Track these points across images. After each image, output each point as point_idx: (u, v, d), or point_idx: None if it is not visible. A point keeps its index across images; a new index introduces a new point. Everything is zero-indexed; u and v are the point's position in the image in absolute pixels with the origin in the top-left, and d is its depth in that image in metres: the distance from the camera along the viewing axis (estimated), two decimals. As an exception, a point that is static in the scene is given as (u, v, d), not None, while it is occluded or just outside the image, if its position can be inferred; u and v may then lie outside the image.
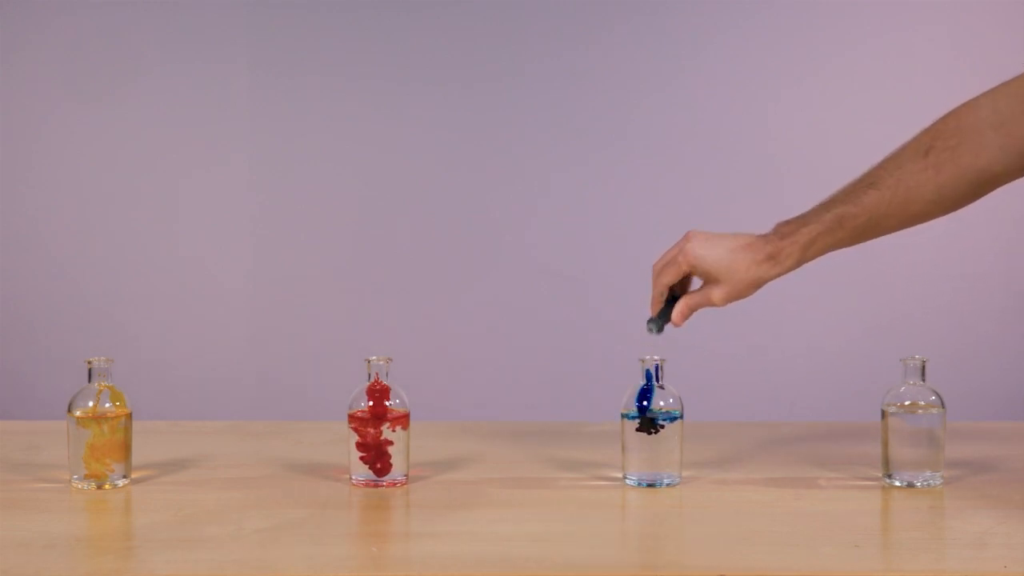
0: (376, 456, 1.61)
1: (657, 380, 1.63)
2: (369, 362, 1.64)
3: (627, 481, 1.62)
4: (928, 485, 1.61)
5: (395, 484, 1.62)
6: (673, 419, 1.61)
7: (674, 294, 1.64)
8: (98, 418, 1.61)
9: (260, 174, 2.60)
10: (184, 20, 2.59)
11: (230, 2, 2.59)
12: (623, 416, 1.62)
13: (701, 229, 1.56)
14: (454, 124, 2.59)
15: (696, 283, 1.61)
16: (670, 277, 1.62)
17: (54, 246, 2.63)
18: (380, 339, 2.57)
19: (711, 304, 1.60)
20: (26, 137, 2.59)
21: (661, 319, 1.65)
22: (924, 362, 1.63)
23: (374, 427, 1.61)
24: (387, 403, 1.62)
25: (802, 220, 1.58)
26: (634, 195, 2.58)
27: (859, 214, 1.58)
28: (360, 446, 1.61)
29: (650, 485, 1.61)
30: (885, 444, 1.62)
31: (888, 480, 1.62)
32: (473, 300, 2.60)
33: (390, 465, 1.62)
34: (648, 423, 1.61)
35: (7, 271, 2.62)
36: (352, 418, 1.62)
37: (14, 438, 1.93)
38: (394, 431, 1.61)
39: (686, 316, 1.64)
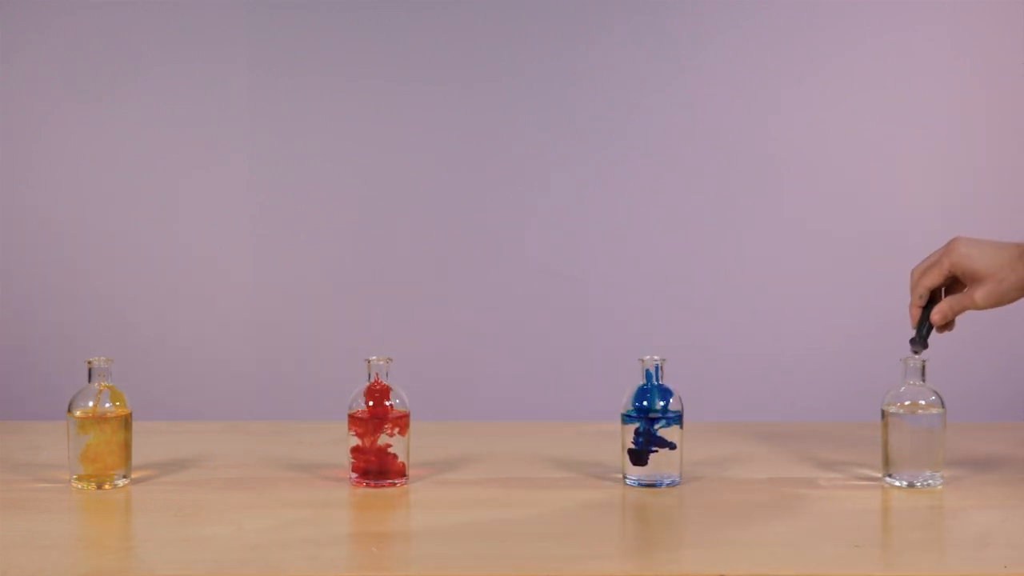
0: (380, 461, 1.61)
1: (657, 380, 1.63)
2: (369, 362, 1.64)
3: (627, 481, 1.62)
4: (928, 485, 1.61)
5: (395, 484, 1.62)
6: (672, 421, 1.61)
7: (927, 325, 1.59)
8: (98, 418, 1.61)
9: (260, 174, 2.60)
10: (184, 20, 2.59)
11: (230, 2, 2.59)
12: (623, 416, 1.62)
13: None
14: (454, 124, 2.59)
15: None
16: (932, 279, 1.59)
17: (54, 246, 2.63)
18: (380, 339, 2.57)
19: (974, 306, 1.55)
20: (26, 137, 2.59)
21: (924, 334, 1.61)
22: (924, 362, 1.63)
23: (373, 432, 1.61)
24: (387, 403, 1.62)
25: None
26: (634, 195, 2.58)
27: None
28: (358, 452, 1.61)
29: (650, 485, 1.61)
30: (885, 444, 1.62)
31: (888, 480, 1.62)
32: (473, 300, 2.60)
33: (399, 467, 1.62)
34: (641, 453, 1.61)
35: (7, 271, 2.62)
36: (352, 419, 1.62)
37: (14, 438, 1.93)
38: (392, 436, 1.61)
39: (948, 317, 1.59)
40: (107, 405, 1.62)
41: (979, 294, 1.53)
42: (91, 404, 1.62)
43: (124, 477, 1.62)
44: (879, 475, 1.66)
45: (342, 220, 2.61)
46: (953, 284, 1.61)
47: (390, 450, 1.61)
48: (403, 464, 1.62)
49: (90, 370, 1.64)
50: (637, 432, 1.61)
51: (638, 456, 1.61)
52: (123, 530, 1.46)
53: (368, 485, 1.61)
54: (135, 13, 2.60)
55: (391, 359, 1.65)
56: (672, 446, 1.61)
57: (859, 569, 1.29)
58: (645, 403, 1.62)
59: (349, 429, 1.62)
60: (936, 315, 1.59)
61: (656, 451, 1.61)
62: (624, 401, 1.63)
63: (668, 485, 1.61)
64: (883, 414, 1.62)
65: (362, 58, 2.59)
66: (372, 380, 1.63)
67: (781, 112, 2.58)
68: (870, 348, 2.56)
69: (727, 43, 2.58)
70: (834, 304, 2.59)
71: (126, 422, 1.62)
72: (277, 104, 2.59)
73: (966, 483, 1.64)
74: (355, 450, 1.61)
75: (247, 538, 1.39)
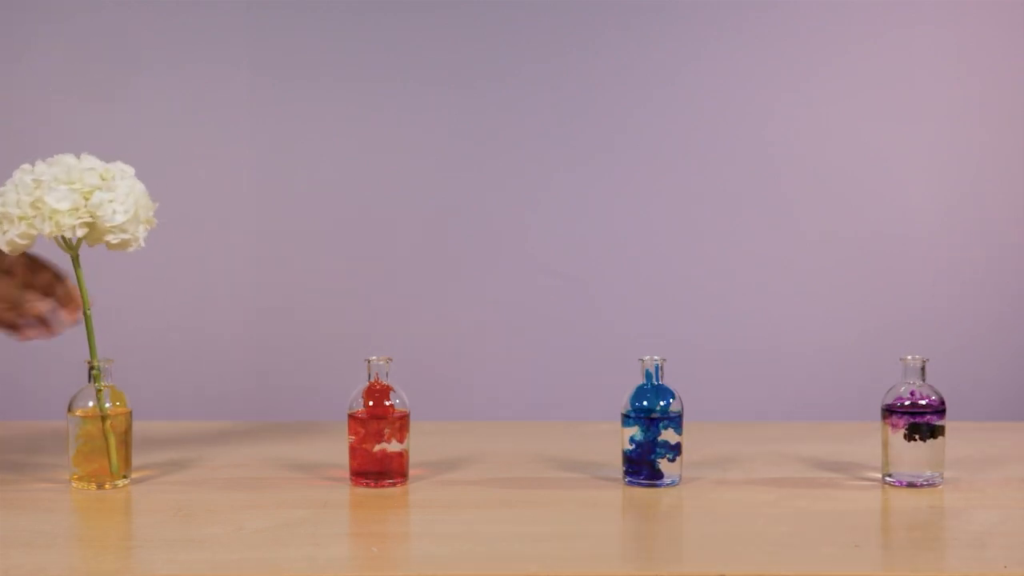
0: (380, 461, 1.61)
1: (657, 380, 1.63)
2: (369, 362, 1.64)
3: (627, 481, 1.62)
4: (928, 485, 1.61)
5: (395, 484, 1.62)
6: (671, 419, 1.61)
7: None
8: (98, 418, 1.61)
9: (260, 174, 2.60)
10: (184, 20, 2.59)
11: (230, 2, 2.59)
12: (623, 416, 1.62)
13: None
14: (454, 124, 2.59)
15: None
16: None
17: (53, 246, 2.63)
18: (380, 339, 2.57)
19: None
20: (26, 137, 2.59)
21: None
22: (924, 362, 1.63)
23: (373, 432, 1.60)
24: (387, 403, 1.62)
25: None
26: (635, 195, 2.58)
27: None
28: (358, 452, 1.61)
29: (650, 485, 1.61)
30: (885, 444, 1.62)
31: (888, 480, 1.62)
32: (473, 300, 2.60)
33: (399, 467, 1.62)
34: (641, 464, 1.61)
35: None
36: (352, 419, 1.62)
37: (14, 438, 1.93)
38: (390, 442, 1.61)
39: None
40: (107, 405, 1.62)
41: None
42: (91, 404, 1.62)
43: (124, 477, 1.62)
44: (879, 475, 1.66)
45: (342, 220, 2.61)
46: None
47: (390, 450, 1.61)
48: (403, 464, 1.62)
49: (90, 370, 1.64)
50: (635, 442, 1.61)
51: (641, 467, 1.61)
52: (123, 530, 1.46)
53: (368, 485, 1.61)
54: (135, 13, 2.60)
55: (391, 359, 1.65)
56: (672, 456, 1.61)
57: (859, 569, 1.29)
58: (645, 403, 1.61)
59: (349, 429, 1.62)
60: None
61: (663, 458, 1.61)
62: (624, 401, 1.63)
63: (668, 485, 1.61)
64: (883, 414, 1.62)
65: (363, 58, 2.59)
66: (372, 380, 1.63)
67: (781, 112, 2.58)
68: (870, 348, 2.56)
69: (728, 43, 2.58)
70: (834, 304, 2.59)
71: (126, 422, 1.62)
72: (277, 104, 2.59)
73: (966, 483, 1.64)
74: (355, 450, 1.61)
75: (247, 538, 1.39)
